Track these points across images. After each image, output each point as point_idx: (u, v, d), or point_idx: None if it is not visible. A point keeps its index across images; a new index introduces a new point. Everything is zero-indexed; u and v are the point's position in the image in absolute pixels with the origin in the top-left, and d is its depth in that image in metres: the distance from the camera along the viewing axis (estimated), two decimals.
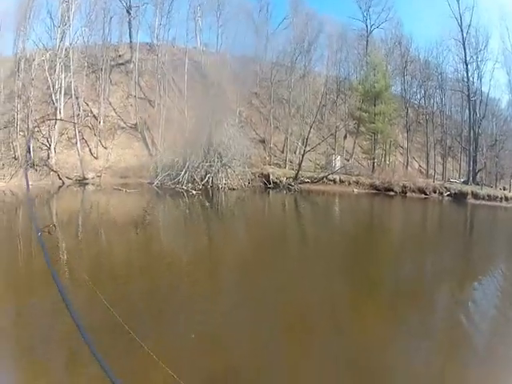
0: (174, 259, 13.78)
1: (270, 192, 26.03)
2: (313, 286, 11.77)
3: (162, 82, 26.47)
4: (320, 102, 35.21)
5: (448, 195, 28.92)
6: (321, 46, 37.96)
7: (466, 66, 33.45)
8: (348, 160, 35.65)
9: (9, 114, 26.70)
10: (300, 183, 27.84)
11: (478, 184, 30.60)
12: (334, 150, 34.06)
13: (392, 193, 29.31)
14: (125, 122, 24.73)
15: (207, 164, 23.78)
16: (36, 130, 25.30)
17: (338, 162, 32.61)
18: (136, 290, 10.97)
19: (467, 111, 34.98)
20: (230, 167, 24.34)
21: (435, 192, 29.42)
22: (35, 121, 24.75)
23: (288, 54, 34.70)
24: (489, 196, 27.75)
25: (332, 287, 11.71)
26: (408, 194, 29.10)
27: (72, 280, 8.80)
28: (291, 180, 27.35)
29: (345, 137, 36.86)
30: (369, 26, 39.75)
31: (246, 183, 24.85)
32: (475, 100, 34.04)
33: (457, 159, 38.97)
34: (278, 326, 9.45)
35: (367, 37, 39.83)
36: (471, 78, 34.00)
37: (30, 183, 22.06)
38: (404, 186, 29.83)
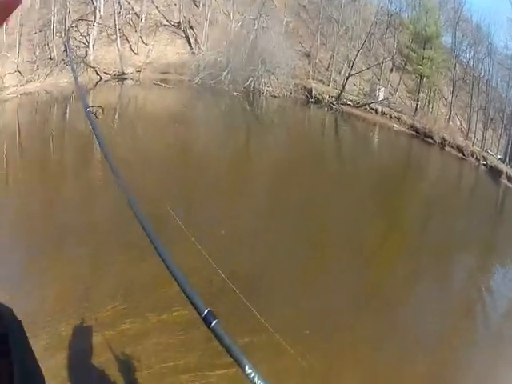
0: (211, 158, 13.61)
1: (312, 106, 25.09)
2: (344, 212, 11.57)
3: None
4: (370, 30, 33.11)
5: (484, 165, 27.17)
6: None
7: None
8: (392, 94, 33.90)
9: (44, 18, 26.18)
10: (342, 104, 26.68)
11: None
12: (379, 80, 32.27)
13: (431, 140, 28.08)
14: (168, 20, 23.78)
15: (250, 67, 22.84)
16: (74, 29, 24.76)
17: (381, 93, 30.99)
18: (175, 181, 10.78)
19: None
20: (273, 74, 23.38)
21: (472, 156, 27.65)
22: (73, 21, 24.20)
23: None
24: None
25: (362, 218, 11.51)
26: (446, 148, 27.71)
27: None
28: (333, 99, 26.20)
29: (391, 70, 34.81)
30: None
31: (288, 93, 23.92)
32: None
33: (497, 134, 36.48)
34: (300, 241, 9.24)
35: None
36: None
37: (65, 81, 21.79)
38: (444, 139, 28.38)
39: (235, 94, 21.89)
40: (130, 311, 5.87)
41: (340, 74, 28.11)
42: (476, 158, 27.50)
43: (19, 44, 25.92)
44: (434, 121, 31.46)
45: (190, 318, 5.04)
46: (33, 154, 12.43)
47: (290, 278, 7.69)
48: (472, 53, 36.21)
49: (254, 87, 22.73)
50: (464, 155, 27.65)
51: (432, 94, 33.97)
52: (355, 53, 28.86)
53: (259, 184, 12.88)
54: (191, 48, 22.94)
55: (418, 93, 32.51)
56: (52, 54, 24.98)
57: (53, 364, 4.85)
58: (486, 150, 32.99)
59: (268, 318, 2.22)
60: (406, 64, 34.15)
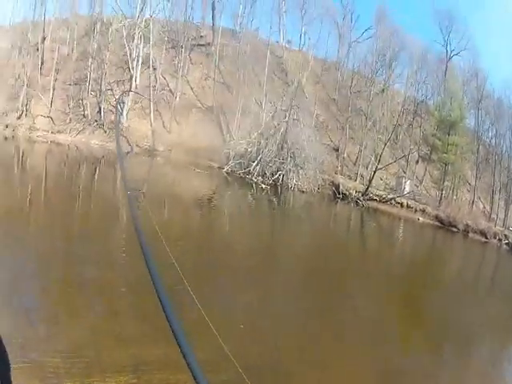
0: (234, 248, 12.55)
1: (339, 202, 24.35)
2: (366, 305, 10.56)
3: (242, 70, 25.39)
4: (397, 121, 33.31)
5: (506, 243, 26.79)
6: (401, 63, 36.38)
7: None
8: (417, 186, 33.38)
9: (80, 72, 26.47)
10: (368, 199, 25.95)
11: None
12: (405, 173, 31.90)
13: (455, 229, 27.30)
14: (201, 103, 23.82)
15: (280, 160, 22.46)
16: (109, 93, 24.87)
17: (407, 186, 30.44)
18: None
19: None
20: (302, 168, 22.97)
21: (495, 237, 27.16)
22: (109, 84, 24.36)
23: (369, 64, 33.08)
24: None
25: (382, 310, 10.63)
26: (470, 235, 26.87)
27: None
28: (360, 194, 25.59)
29: (416, 162, 34.63)
30: (449, 52, 37.41)
31: (316, 188, 23.28)
32: None
33: None
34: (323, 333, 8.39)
35: (446, 62, 37.62)
36: None
37: (96, 143, 21.49)
38: (467, 225, 27.74)
39: (263, 186, 21.32)
40: None
41: (367, 168, 27.65)
42: (498, 238, 27.14)
43: (53, 89, 26.22)
44: (458, 208, 30.66)
45: None
46: (54, 206, 12.04)
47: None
48: (494, 130, 36.76)
49: (282, 181, 22.21)
50: (487, 238, 26.95)
51: (456, 181, 33.45)
52: (382, 146, 28.62)
53: (281, 278, 12.22)
54: (222, 134, 22.65)
55: (443, 182, 31.99)
56: (85, 112, 25.07)
57: None
58: (508, 228, 31.85)
59: None
60: (431, 153, 33.99)
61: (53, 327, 5.77)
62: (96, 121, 23.29)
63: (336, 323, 9.25)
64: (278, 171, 22.09)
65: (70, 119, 24.56)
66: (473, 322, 11.99)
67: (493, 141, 37.75)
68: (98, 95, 24.41)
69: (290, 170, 22.39)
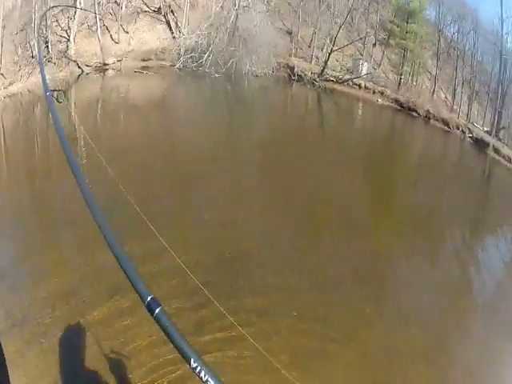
0: (194, 140, 13.79)
1: (294, 84, 25.38)
2: (332, 186, 11.90)
3: None
4: (351, 5, 33.11)
5: (470, 137, 27.37)
6: None
7: (502, 23, 31.08)
8: (375, 69, 34.06)
9: (25, 17, 25.79)
10: (325, 80, 26.96)
11: (499, 140, 28.69)
12: (362, 55, 32.45)
13: (415, 114, 28.25)
14: (148, 6, 23.77)
15: (231, 48, 23.02)
16: (55, 24, 24.56)
17: (364, 68, 31.20)
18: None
19: (498, 65, 32.53)
20: (254, 54, 23.51)
21: (458, 128, 27.79)
22: (54, 16, 23.98)
23: None
24: (509, 158, 25.07)
25: (349, 191, 11.79)
26: (431, 121, 27.78)
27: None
28: (316, 76, 26.47)
29: (374, 45, 34.89)
30: None
31: (270, 72, 24.13)
32: (507, 58, 31.56)
33: (482, 107, 36.70)
34: (290, 215, 9.48)
35: None
36: (505, 36, 31.56)
37: (48, 77, 21.70)
38: (428, 112, 28.50)
39: (216, 75, 22.07)
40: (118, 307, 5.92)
41: (322, 50, 28.30)
42: (462, 130, 27.60)
43: (1, 46, 25.53)
44: (419, 94, 31.69)
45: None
46: (16, 154, 12.68)
47: (280, 255, 7.95)
48: (457, 27, 36.38)
49: (235, 68, 22.89)
50: (449, 128, 27.63)
51: (416, 68, 34.13)
52: (337, 29, 29.00)
53: (245, 162, 13.08)
54: (172, 33, 23.04)
55: (402, 67, 32.67)
56: (34, 53, 24.77)
57: (41, 362, 4.97)
58: (472, 123, 33.41)
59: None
60: (389, 38, 34.11)
61: None
62: (44, 57, 23.21)
63: (301, 211, 9.81)
64: (230, 59, 22.76)
65: (20, 66, 24.36)
66: (438, 207, 13.03)
67: (455, 36, 37.74)
68: (44, 30, 24.06)
69: (242, 56, 22.97)
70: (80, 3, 25.02)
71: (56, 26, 24.83)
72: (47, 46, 24.41)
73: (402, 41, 32.06)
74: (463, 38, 36.37)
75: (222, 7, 24.32)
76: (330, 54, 27.67)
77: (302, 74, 25.57)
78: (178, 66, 22.19)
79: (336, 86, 27.52)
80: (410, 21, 31.89)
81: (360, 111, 27.47)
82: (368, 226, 10.10)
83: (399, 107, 28.71)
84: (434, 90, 35.60)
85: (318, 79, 26.30)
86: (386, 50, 34.47)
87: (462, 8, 35.61)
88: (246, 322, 5.78)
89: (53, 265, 6.72)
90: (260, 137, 15.70)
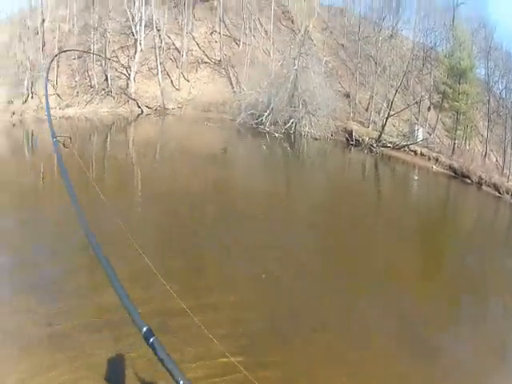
0: (250, 195, 13.34)
1: (352, 149, 24.29)
2: (383, 249, 11.21)
3: (248, 21, 24.88)
4: (406, 67, 32.56)
5: None
6: (409, 8, 35.41)
7: None
8: (430, 134, 32.98)
9: (83, 45, 26.38)
10: (382, 146, 25.79)
11: None
12: (418, 120, 31.43)
13: (468, 180, 26.98)
14: (208, 58, 23.61)
15: (291, 108, 22.26)
16: (115, 60, 24.76)
17: (420, 134, 30.09)
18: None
19: None
20: (314, 115, 22.76)
21: (507, 193, 26.61)
22: (114, 51, 24.28)
23: (376, 10, 32.20)
24: None
25: (400, 254, 11.26)
26: (483, 187, 26.55)
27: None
28: (373, 141, 25.30)
29: (428, 109, 33.98)
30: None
31: (329, 135, 23.17)
32: None
33: None
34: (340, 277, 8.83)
35: (453, 9, 36.15)
36: None
37: (106, 110, 21.76)
38: (480, 178, 27.04)
39: (276, 135, 21.35)
40: None
41: (379, 114, 27.30)
42: (511, 194, 26.37)
43: (57, 67, 26.26)
44: (471, 159, 30.29)
45: None
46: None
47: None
48: (504, 83, 35.57)
49: (295, 129, 22.13)
50: (500, 193, 26.64)
51: (468, 131, 32.93)
52: (393, 92, 28.17)
53: (299, 221, 12.46)
54: (232, 87, 22.53)
55: (455, 131, 31.52)
56: (92, 82, 25.07)
57: None
58: None
59: None
60: (442, 101, 33.25)
61: None
62: (103, 89, 23.35)
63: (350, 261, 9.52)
64: (290, 119, 21.98)
65: (78, 92, 24.59)
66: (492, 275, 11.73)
67: (503, 93, 36.90)
68: (104, 64, 24.35)
69: (302, 117, 22.23)
70: (140, 44, 25.22)
71: (116, 61, 25.11)
72: (106, 79, 24.73)
73: (455, 103, 31.06)
74: (511, 95, 35.52)
75: (281, 66, 23.80)
76: (387, 119, 26.63)
77: (360, 139, 24.41)
78: (238, 121, 21.81)
79: (393, 153, 26.36)
80: (461, 81, 31.10)
81: (416, 179, 26.27)
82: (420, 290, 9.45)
83: (453, 173, 27.44)
84: (485, 153, 34.10)
85: (375, 145, 25.15)
86: (441, 114, 33.52)
87: (508, 62, 34.28)
88: None
89: None
90: (316, 200, 14.98)
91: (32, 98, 28.73)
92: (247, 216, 11.41)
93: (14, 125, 29.45)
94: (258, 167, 17.66)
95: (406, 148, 27.20)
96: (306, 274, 8.89)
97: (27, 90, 29.18)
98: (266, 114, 21.60)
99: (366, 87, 27.50)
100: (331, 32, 27.20)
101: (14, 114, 29.75)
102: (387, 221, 14.87)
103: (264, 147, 20.88)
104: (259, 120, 21.48)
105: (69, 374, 4.97)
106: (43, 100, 25.72)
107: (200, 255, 8.77)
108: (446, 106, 32.92)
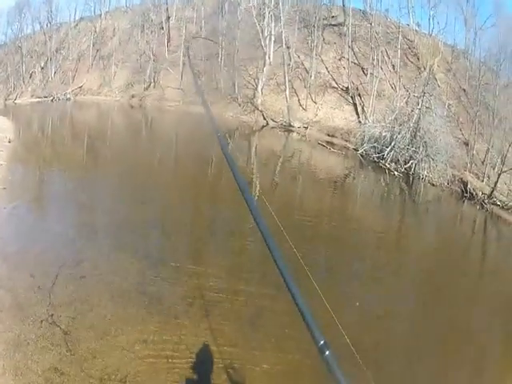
0: (360, 231, 13.28)
1: (465, 202, 23.11)
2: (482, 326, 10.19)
3: (376, 52, 24.46)
4: None
5: None
6: None
7: None
8: None
9: (210, 49, 27.11)
10: (492, 204, 24.26)
11: None
12: None
13: None
14: (336, 83, 23.51)
15: (412, 149, 21.51)
16: (242, 69, 25.26)
17: None
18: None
19: None
20: (433, 160, 21.82)
21: None
22: (242, 60, 24.79)
23: (493, 55, 30.76)
24: None
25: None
26: None
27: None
28: (486, 197, 23.82)
29: None
30: None
31: (446, 183, 22.14)
32: None
33: None
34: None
35: None
36: None
37: (230, 115, 22.08)
38: None
39: (396, 173, 20.73)
40: None
41: (494, 169, 25.79)
42: None
43: (183, 64, 27.20)
44: None
45: None
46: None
47: None
48: None
49: (414, 170, 21.32)
50: None
51: None
52: (507, 146, 26.69)
53: (404, 269, 12.27)
54: (358, 116, 22.20)
55: None
56: (218, 86, 25.64)
57: None
58: None
59: None
60: None
61: None
62: (230, 94, 23.83)
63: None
64: (410, 159, 21.31)
65: (202, 91, 25.09)
66: None
67: None
68: (231, 70, 24.90)
69: (422, 159, 21.52)
70: (269, 57, 25.50)
71: (243, 70, 25.51)
72: (233, 86, 25.21)
73: None
74: None
75: (406, 103, 23.12)
76: (499, 176, 25.09)
77: (474, 193, 23.07)
78: (360, 151, 21.58)
79: (502, 213, 24.72)
80: None
81: None
82: None
83: None
84: None
85: (486, 201, 23.65)
86: None
87: None
88: None
89: None
90: (423, 251, 14.40)
91: (154, 87, 30.19)
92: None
93: (132, 107, 31.26)
94: (374, 203, 17.62)
95: None
96: None
97: (149, 78, 30.72)
98: (388, 149, 21.05)
99: (484, 138, 26.21)
100: (454, 74, 26.18)
101: (133, 96, 31.57)
102: (485, 288, 13.44)
103: (383, 183, 20.41)
104: (381, 155, 21.03)
105: None
106: (166, 91, 26.68)
107: None
108: None
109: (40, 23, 45.50)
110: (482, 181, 24.79)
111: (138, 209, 10.97)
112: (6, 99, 42.21)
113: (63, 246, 8.86)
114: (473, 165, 24.65)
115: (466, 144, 25.05)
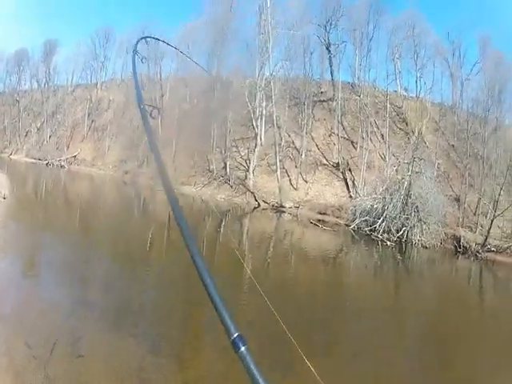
0: (358, 303, 13.73)
1: (460, 257, 24.78)
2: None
3: (365, 124, 26.86)
4: (510, 160, 32.30)
5: None
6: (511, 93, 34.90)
7: None
8: None
9: (204, 128, 29.19)
10: (487, 251, 25.92)
11: None
12: None
13: None
14: (327, 160, 25.73)
15: (404, 216, 23.46)
16: (234, 149, 27.59)
17: None
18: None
19: None
20: (425, 223, 23.70)
21: None
22: (234, 140, 27.19)
23: (481, 103, 32.56)
24: None
25: None
26: None
27: None
28: (479, 247, 25.59)
29: None
30: None
31: (438, 243, 24.01)
32: None
33: None
34: None
35: None
36: None
37: (222, 197, 24.31)
38: None
39: (388, 243, 22.47)
40: None
41: (486, 217, 27.54)
42: None
43: (176, 144, 28.98)
44: None
45: None
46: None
47: None
48: None
49: (407, 237, 23.16)
50: None
51: None
52: (498, 190, 28.25)
53: (402, 331, 12.82)
54: (349, 191, 24.34)
55: None
56: (211, 167, 27.96)
57: None
58: None
59: None
60: None
61: None
62: (222, 176, 25.91)
63: None
64: (402, 227, 23.06)
65: (195, 172, 27.31)
66: None
67: None
68: (223, 151, 27.07)
69: (414, 225, 23.25)
70: (260, 139, 28.09)
71: (235, 151, 27.92)
72: (225, 168, 27.46)
73: None
74: None
75: (396, 171, 25.23)
76: (492, 221, 26.76)
77: (467, 246, 24.92)
78: (352, 226, 23.13)
79: (497, 257, 26.25)
80: None
81: None
82: None
83: None
84: None
85: (480, 250, 25.39)
86: None
87: None
88: None
89: None
90: (419, 313, 15.14)
91: (147, 165, 31.99)
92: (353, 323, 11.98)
93: (125, 183, 33.10)
94: (368, 276, 18.43)
95: (509, 250, 27.02)
96: None
97: (142, 156, 32.45)
98: (380, 221, 22.94)
99: (475, 189, 27.97)
100: (443, 133, 28.25)
101: (126, 173, 33.64)
102: (491, 345, 14.73)
103: (376, 255, 22.01)
104: (373, 227, 22.77)
105: None
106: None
107: None
108: None
109: (38, 81, 49.38)
110: (475, 232, 26.61)
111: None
112: (1, 151, 46.20)
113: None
114: (465, 218, 26.55)
115: (458, 200, 27.01)
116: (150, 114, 2.64)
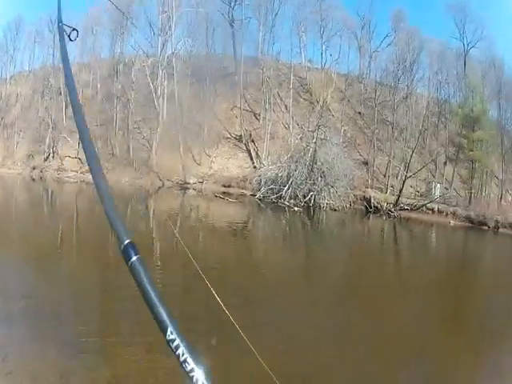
0: (269, 270, 12.81)
1: (371, 216, 24.88)
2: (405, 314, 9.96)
3: (268, 96, 26.54)
4: (422, 125, 33.42)
5: None
6: (422, 66, 36.36)
7: None
8: (447, 189, 33.26)
9: (106, 113, 27.96)
10: (400, 209, 26.38)
11: None
12: (434, 177, 31.96)
13: (485, 227, 26.86)
14: (229, 133, 25.12)
15: (310, 182, 23.26)
16: (137, 131, 26.40)
17: (437, 190, 30.63)
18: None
19: None
20: (332, 187, 23.67)
21: None
22: (136, 122, 25.97)
23: (391, 73, 33.46)
24: None
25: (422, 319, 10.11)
26: (500, 230, 26.25)
27: None
28: (391, 206, 25.99)
29: (445, 163, 34.49)
30: (465, 45, 36.83)
31: (348, 205, 23.97)
32: None
33: None
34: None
35: (464, 56, 37.17)
36: None
37: (126, 180, 22.90)
38: (497, 221, 27.00)
39: (296, 209, 22.15)
40: None
41: (397, 178, 28.07)
42: None
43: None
44: (487, 205, 30.32)
45: None
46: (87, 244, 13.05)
47: None
48: None
49: (314, 201, 22.96)
50: None
51: (484, 177, 33.12)
52: (410, 153, 28.95)
53: (319, 295, 12.61)
54: (253, 162, 23.79)
55: (472, 180, 31.76)
56: (114, 151, 26.45)
57: None
58: None
59: None
60: (458, 153, 33.70)
61: None
62: (125, 159, 24.69)
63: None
64: (309, 192, 22.84)
65: (99, 159, 25.87)
66: None
67: None
68: (126, 134, 25.87)
69: (321, 189, 23.10)
70: (162, 118, 26.92)
71: (138, 132, 26.61)
72: (128, 150, 26.11)
73: (471, 152, 31.52)
74: None
75: (300, 139, 25.02)
76: (404, 182, 27.33)
77: (379, 206, 25.14)
78: (258, 196, 22.78)
79: (411, 214, 26.88)
80: (475, 127, 31.53)
81: (434, 237, 26.34)
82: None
83: (470, 224, 27.50)
84: (501, 195, 33.90)
85: (393, 209, 25.76)
86: (457, 167, 33.85)
87: None
88: None
89: None
90: (335, 272, 14.92)
91: (53, 157, 30.16)
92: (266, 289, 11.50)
93: (33, 179, 30.93)
94: (277, 241, 18.01)
95: (424, 207, 27.68)
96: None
97: (48, 148, 30.51)
98: (286, 188, 22.59)
99: (384, 152, 28.40)
100: (349, 101, 28.53)
101: (34, 168, 31.27)
102: (406, 285, 14.88)
103: (284, 221, 21.59)
104: (279, 194, 22.43)
105: None
106: (64, 161, 27.18)
107: None
108: (462, 157, 33.38)
109: None
110: (386, 192, 26.97)
111: None
112: None
113: None
114: (374, 180, 26.84)
115: (366, 163, 27.27)
116: (69, 36, 2.17)
